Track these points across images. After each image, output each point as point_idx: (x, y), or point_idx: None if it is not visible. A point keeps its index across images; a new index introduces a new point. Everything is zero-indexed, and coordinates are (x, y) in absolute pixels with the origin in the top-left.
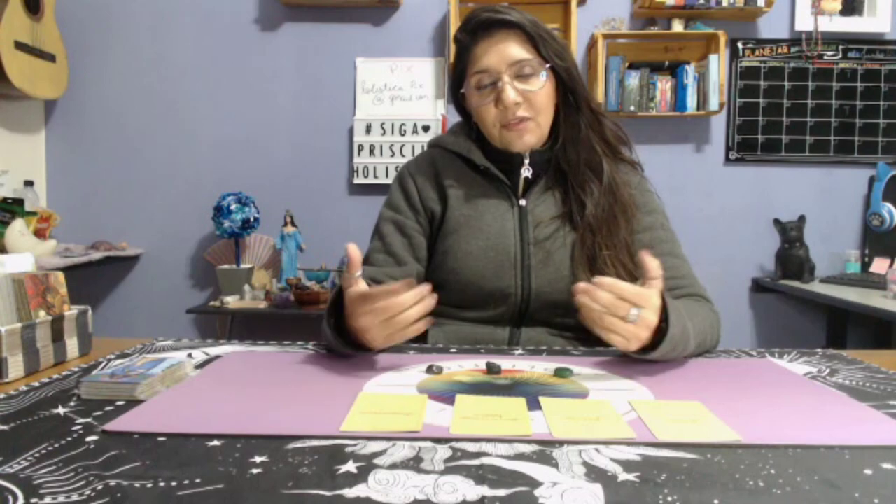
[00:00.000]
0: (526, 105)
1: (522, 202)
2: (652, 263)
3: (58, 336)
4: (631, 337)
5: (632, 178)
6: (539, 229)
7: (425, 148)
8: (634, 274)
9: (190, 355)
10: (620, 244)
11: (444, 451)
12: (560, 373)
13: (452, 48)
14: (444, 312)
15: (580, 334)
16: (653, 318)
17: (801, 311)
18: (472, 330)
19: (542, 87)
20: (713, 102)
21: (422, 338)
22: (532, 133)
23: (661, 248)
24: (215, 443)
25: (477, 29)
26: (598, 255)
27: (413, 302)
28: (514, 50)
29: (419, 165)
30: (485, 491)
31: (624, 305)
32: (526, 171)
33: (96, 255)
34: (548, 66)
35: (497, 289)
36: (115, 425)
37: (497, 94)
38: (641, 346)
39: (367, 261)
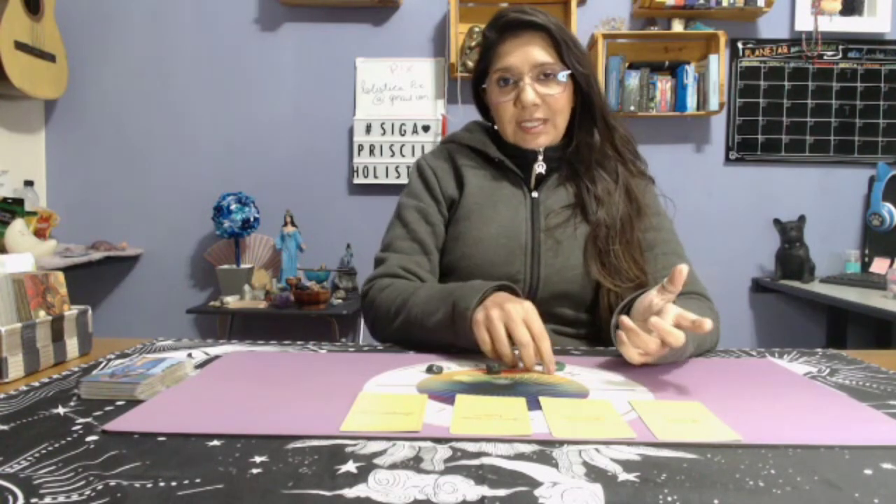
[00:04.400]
0: (544, 107)
1: (535, 194)
2: (680, 277)
3: (58, 336)
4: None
5: (639, 182)
6: (550, 218)
7: (425, 148)
8: (644, 268)
9: (190, 355)
10: (634, 241)
11: (444, 451)
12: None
13: (453, 48)
14: None
15: (580, 330)
16: None
17: (801, 311)
18: None
19: (561, 91)
20: (713, 102)
21: None
22: (546, 135)
23: (664, 247)
24: (215, 443)
25: (505, 28)
26: (611, 250)
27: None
28: (537, 52)
29: (436, 157)
30: (485, 491)
31: (680, 335)
32: (540, 167)
33: (96, 255)
34: (568, 71)
35: (506, 275)
36: (115, 425)
37: (517, 93)
38: None
39: (389, 248)
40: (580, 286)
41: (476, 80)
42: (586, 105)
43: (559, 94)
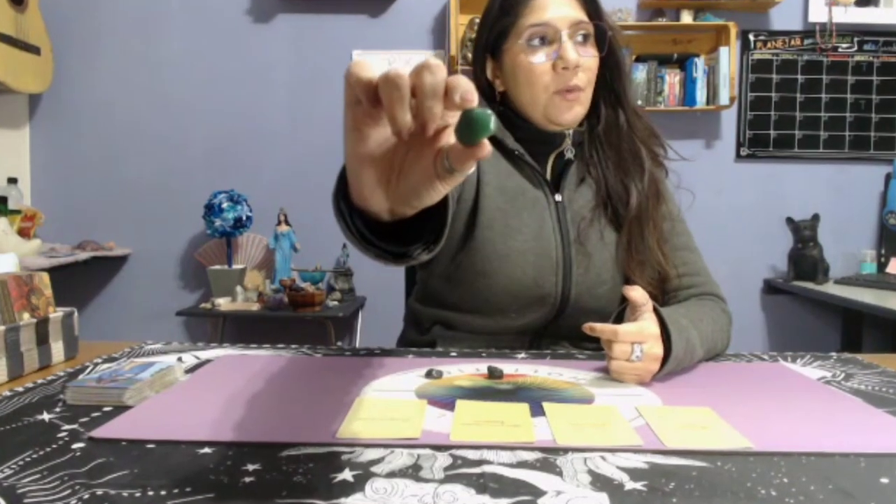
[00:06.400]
0: (581, 73)
1: (558, 197)
2: (637, 294)
3: (42, 339)
4: (644, 373)
5: (658, 170)
6: (579, 228)
7: None
8: (666, 256)
9: (180, 359)
10: (660, 230)
11: (443, 459)
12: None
13: (453, 40)
14: (455, 322)
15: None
16: (657, 350)
17: (814, 314)
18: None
19: (596, 57)
20: (723, 96)
21: (431, 347)
22: (582, 105)
23: (678, 240)
24: (206, 450)
25: None
26: (644, 241)
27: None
28: (575, 11)
29: None
30: (486, 500)
31: (627, 348)
32: (568, 152)
33: (82, 256)
34: (609, 33)
35: (537, 296)
36: (102, 432)
37: (556, 54)
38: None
39: None
40: (608, 301)
41: (486, 46)
42: (611, 84)
43: (595, 60)
